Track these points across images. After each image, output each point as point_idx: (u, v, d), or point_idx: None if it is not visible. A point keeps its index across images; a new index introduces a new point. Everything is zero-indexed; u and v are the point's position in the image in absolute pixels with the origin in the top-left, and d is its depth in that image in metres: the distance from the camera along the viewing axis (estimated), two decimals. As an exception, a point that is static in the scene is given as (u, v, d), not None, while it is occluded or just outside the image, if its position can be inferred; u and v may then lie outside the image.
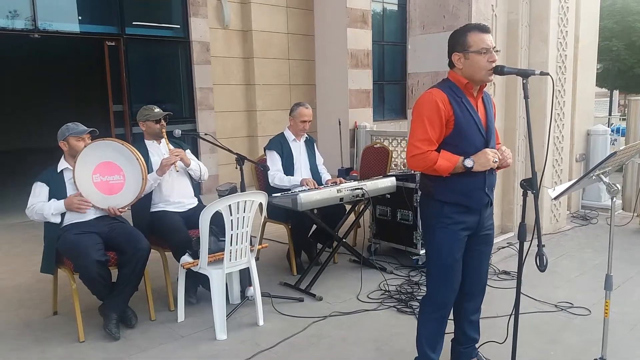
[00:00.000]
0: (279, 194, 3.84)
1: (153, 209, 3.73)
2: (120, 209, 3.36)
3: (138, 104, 7.18)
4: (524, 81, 2.26)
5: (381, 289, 3.90)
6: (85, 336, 3.20)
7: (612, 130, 8.91)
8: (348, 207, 4.42)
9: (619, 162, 2.53)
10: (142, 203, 3.61)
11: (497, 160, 2.34)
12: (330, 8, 8.76)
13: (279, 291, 3.88)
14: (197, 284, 3.73)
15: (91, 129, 3.41)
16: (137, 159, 3.29)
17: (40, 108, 14.92)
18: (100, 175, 3.30)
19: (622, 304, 3.51)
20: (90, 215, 3.34)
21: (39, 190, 3.30)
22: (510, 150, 2.50)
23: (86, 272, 3.09)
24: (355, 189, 3.90)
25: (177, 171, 3.73)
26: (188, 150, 3.92)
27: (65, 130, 3.36)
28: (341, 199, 3.85)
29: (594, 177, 2.43)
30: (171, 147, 3.74)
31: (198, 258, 3.22)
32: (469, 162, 2.28)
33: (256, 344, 3.10)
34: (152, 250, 3.37)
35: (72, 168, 3.30)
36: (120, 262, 3.23)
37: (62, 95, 14.89)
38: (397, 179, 4.24)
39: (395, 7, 11.27)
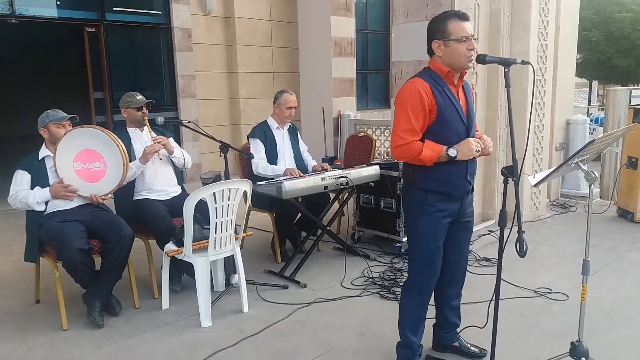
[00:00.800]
0: (263, 182, 3.85)
1: (136, 197, 3.71)
2: (102, 197, 3.33)
3: (119, 91, 7.09)
4: (506, 70, 2.29)
5: (364, 276, 3.94)
6: (69, 324, 3.18)
7: (591, 120, 9.06)
8: (332, 195, 4.45)
9: (597, 150, 2.59)
10: (125, 191, 3.59)
11: (479, 149, 2.38)
12: (313, -5, 8.70)
13: (263, 279, 3.89)
14: (182, 271, 3.73)
15: (71, 115, 3.36)
16: (118, 146, 3.26)
17: (17, 95, 14.60)
18: (81, 162, 3.27)
19: (599, 289, 3.61)
20: (73, 203, 3.32)
21: (21, 178, 3.26)
22: (491, 139, 2.54)
23: (69, 261, 3.07)
24: (340, 177, 3.92)
25: (161, 159, 3.71)
26: (171, 138, 3.89)
27: (45, 118, 3.32)
28: (325, 187, 3.87)
29: (572, 165, 2.48)
30: (154, 134, 3.72)
31: (182, 246, 3.22)
32: (452, 152, 2.31)
33: (241, 331, 3.12)
34: (135, 238, 3.35)
35: (53, 155, 3.27)
36: (104, 250, 3.21)
37: (40, 82, 14.58)
38: (380, 168, 4.27)
39: (378, -5, 11.25)
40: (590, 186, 2.48)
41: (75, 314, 3.31)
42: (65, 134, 3.25)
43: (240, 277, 3.40)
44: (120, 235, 3.20)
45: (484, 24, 4.98)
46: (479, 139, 2.46)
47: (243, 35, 8.29)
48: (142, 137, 3.76)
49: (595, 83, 18.52)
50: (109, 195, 3.40)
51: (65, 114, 3.34)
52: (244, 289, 3.40)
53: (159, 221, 3.49)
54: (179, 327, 3.20)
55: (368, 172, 4.15)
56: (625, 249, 4.49)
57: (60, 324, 3.17)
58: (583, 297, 2.54)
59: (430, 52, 2.41)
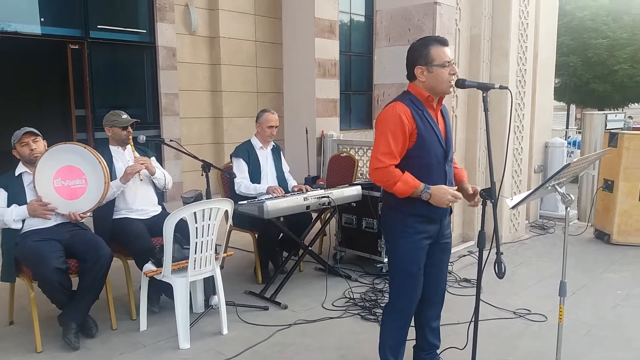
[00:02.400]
0: (245, 202, 3.84)
1: (115, 216, 3.66)
2: (81, 215, 3.29)
3: (101, 109, 7.06)
4: (484, 94, 2.35)
5: (346, 297, 3.93)
6: (43, 346, 3.11)
7: (569, 143, 9.26)
8: (314, 215, 4.45)
9: (573, 173, 2.65)
10: (104, 210, 3.55)
11: (450, 204, 2.37)
12: (298, 17, 8.81)
13: (243, 300, 3.86)
14: (160, 292, 3.68)
15: (29, 129, 3.29)
16: (100, 163, 3.24)
17: (-2, 111, 14.40)
18: (61, 179, 3.23)
19: (577, 310, 3.65)
20: (51, 221, 3.27)
21: (-3, 196, 3.21)
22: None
23: (46, 280, 3.01)
24: (322, 197, 3.93)
25: (141, 180, 3.67)
26: (153, 158, 3.87)
27: (13, 137, 3.30)
28: (308, 207, 3.87)
29: (549, 188, 2.53)
30: (137, 154, 3.69)
31: (161, 266, 3.18)
32: (425, 196, 2.32)
33: (219, 353, 3.08)
34: (114, 257, 3.31)
35: (31, 172, 3.23)
36: (81, 270, 3.16)
37: (21, 98, 14.42)
38: (362, 188, 4.29)
39: (362, 19, 11.43)
40: (567, 208, 2.53)
41: (50, 336, 3.23)
42: (45, 150, 3.22)
43: (220, 298, 3.36)
44: (99, 255, 3.15)
45: (464, 48, 5.09)
46: (474, 195, 2.48)
47: (228, 55, 8.33)
48: (124, 156, 3.74)
49: (573, 107, 18.93)
50: (88, 214, 3.36)
51: (21, 130, 3.28)
52: (223, 310, 3.36)
53: (138, 241, 3.45)
54: (156, 349, 3.15)
55: (350, 192, 4.17)
56: (601, 270, 4.56)
57: (35, 346, 3.09)
58: (560, 319, 2.56)
59: (411, 77, 2.45)
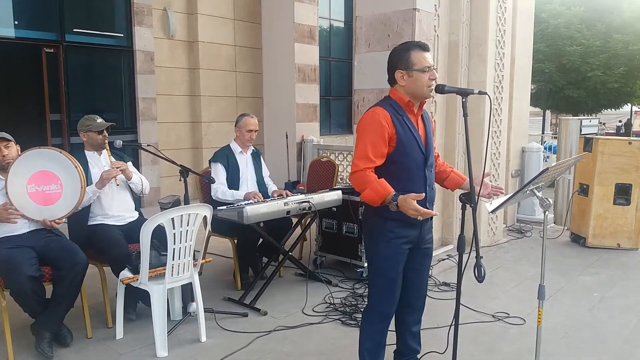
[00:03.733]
0: (224, 207, 3.80)
1: (91, 222, 3.59)
2: (56, 221, 3.21)
3: (77, 114, 6.93)
4: (464, 100, 2.36)
5: (326, 302, 3.91)
6: (15, 357, 3.01)
7: (545, 148, 9.42)
8: (294, 220, 4.43)
9: (551, 177, 2.68)
10: (79, 216, 3.48)
11: (418, 216, 2.26)
12: (277, 23, 8.81)
13: (222, 306, 3.81)
14: (137, 299, 3.61)
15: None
16: (76, 167, 3.17)
17: (-31, 115, 14.06)
18: (35, 185, 3.15)
19: (554, 313, 3.69)
20: (24, 228, 3.18)
21: (-33, 202, 3.12)
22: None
23: (18, 289, 2.93)
24: (302, 202, 3.92)
25: (118, 185, 3.61)
26: (130, 163, 3.80)
27: None
28: (288, 212, 3.85)
29: (528, 192, 2.56)
30: (112, 159, 3.62)
31: (138, 273, 3.13)
32: (392, 207, 2.26)
33: (198, 361, 3.03)
34: (89, 264, 3.23)
35: (2, 177, 3.15)
36: (56, 278, 3.08)
37: (-6, 102, 14.11)
38: (343, 193, 4.29)
39: (341, 25, 11.49)
40: (545, 212, 2.56)
41: (22, 345, 3.14)
42: (18, 155, 3.14)
43: (198, 305, 3.31)
44: (74, 262, 3.08)
45: (443, 54, 5.14)
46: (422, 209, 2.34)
47: (206, 59, 8.27)
48: (100, 161, 3.67)
49: (548, 112, 19.27)
50: (63, 220, 3.28)
51: None
52: (202, 317, 3.31)
53: (114, 247, 3.38)
54: (133, 357, 3.09)
55: (331, 196, 4.17)
56: (578, 272, 4.63)
57: (6, 357, 3.00)
58: (539, 322, 2.59)
59: (392, 81, 2.46)
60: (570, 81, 14.54)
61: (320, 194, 4.13)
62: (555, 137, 11.25)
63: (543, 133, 16.04)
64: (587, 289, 4.22)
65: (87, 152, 3.67)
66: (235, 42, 8.72)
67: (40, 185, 3.17)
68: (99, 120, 3.65)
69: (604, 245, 5.39)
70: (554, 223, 6.57)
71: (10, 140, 3.24)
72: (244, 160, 4.43)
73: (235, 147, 4.42)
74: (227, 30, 8.57)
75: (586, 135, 5.80)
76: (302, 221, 4.53)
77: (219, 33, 8.44)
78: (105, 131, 3.65)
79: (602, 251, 5.30)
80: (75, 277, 3.08)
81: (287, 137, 8.54)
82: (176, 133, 8.18)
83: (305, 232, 4.56)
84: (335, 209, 4.36)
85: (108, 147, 3.64)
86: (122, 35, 7.55)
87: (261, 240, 4.27)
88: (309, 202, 3.94)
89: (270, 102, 9.04)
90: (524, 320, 3.57)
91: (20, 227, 3.18)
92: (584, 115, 14.03)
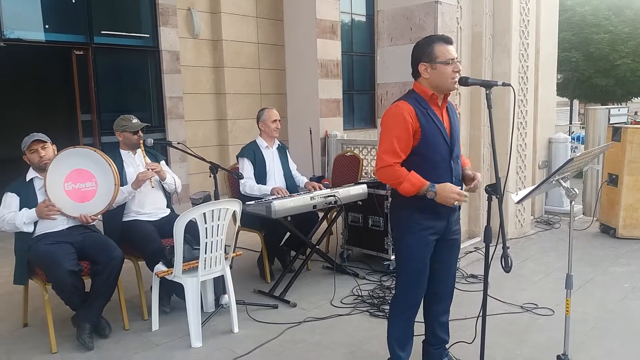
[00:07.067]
0: (252, 202, 3.88)
1: (125, 218, 3.71)
2: (92, 217, 3.34)
3: (107, 113, 7.13)
4: (487, 92, 2.38)
5: (354, 294, 3.97)
6: (58, 347, 3.16)
7: (573, 138, 9.25)
8: (321, 214, 4.49)
9: (577, 167, 2.68)
10: (114, 212, 3.60)
11: (457, 203, 2.41)
12: (300, 19, 8.85)
13: (253, 298, 3.90)
14: (171, 292, 3.73)
15: (37, 137, 3.33)
16: (110, 166, 3.30)
17: (4, 118, 14.49)
18: (72, 183, 3.29)
19: (584, 304, 3.68)
20: (63, 225, 3.32)
21: (10, 201, 3.27)
22: (478, 179, 2.60)
23: (59, 282, 3.07)
24: (328, 196, 3.98)
25: (153, 187, 3.71)
26: (163, 162, 3.91)
27: (23, 145, 3.35)
28: (314, 206, 3.91)
29: (553, 182, 2.57)
30: (148, 160, 3.72)
31: (172, 266, 3.23)
32: (430, 194, 2.35)
33: (231, 351, 3.12)
34: (125, 259, 3.36)
35: (41, 177, 3.29)
36: (94, 272, 3.21)
37: (27, 104, 14.51)
38: (368, 186, 4.33)
39: (363, 19, 11.46)
40: (571, 202, 2.56)
41: (64, 337, 3.29)
42: (55, 155, 3.27)
43: (230, 297, 3.41)
44: (110, 257, 3.20)
45: (466, 46, 5.12)
46: (473, 179, 2.53)
47: (230, 57, 8.39)
48: (134, 161, 3.78)
49: (576, 102, 18.89)
50: (99, 216, 3.41)
51: (29, 138, 3.33)
52: (234, 309, 3.41)
53: (148, 242, 3.50)
54: (169, 348, 3.20)
55: (356, 190, 4.21)
56: (608, 264, 4.58)
57: (50, 347, 3.15)
58: (567, 311, 2.60)
59: (416, 74, 2.50)
60: (598, 70, 14.22)
61: (345, 188, 4.17)
62: (583, 127, 11.05)
63: (571, 123, 15.76)
64: (617, 280, 4.18)
65: (122, 152, 3.78)
66: (258, 40, 8.81)
67: (77, 183, 3.30)
68: (135, 120, 3.75)
69: (634, 236, 5.31)
70: (583, 214, 6.48)
71: (46, 142, 3.38)
72: (270, 155, 4.50)
73: (262, 142, 4.50)
74: (250, 28, 8.67)
75: (614, 125, 5.71)
76: (328, 215, 4.59)
77: (242, 31, 8.54)
78: (140, 131, 3.75)
79: (633, 242, 5.22)
80: (112, 271, 3.21)
81: (310, 133, 8.60)
82: (203, 131, 8.32)
83: (332, 226, 4.61)
84: (360, 203, 4.40)
85: (143, 147, 3.74)
86: (148, 35, 7.70)
87: (288, 234, 4.34)
88: (334, 196, 3.99)
89: (294, 98, 9.10)
90: (553, 311, 3.57)
91: (59, 224, 3.32)
92: (613, 105, 13.72)
